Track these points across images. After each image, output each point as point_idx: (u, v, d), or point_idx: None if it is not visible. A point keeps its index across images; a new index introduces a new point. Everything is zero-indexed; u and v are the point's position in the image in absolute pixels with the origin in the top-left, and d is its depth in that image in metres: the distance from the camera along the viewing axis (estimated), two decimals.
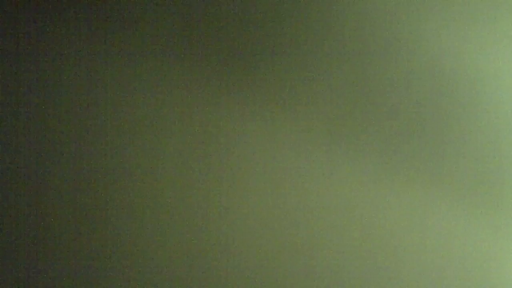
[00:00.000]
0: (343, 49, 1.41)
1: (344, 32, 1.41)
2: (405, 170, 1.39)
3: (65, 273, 1.38)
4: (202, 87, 1.41)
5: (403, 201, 1.38)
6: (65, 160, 1.40)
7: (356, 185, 1.38)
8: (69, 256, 1.38)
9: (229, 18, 1.42)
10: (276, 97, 1.40)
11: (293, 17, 1.42)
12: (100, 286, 1.38)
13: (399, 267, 1.37)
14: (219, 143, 1.40)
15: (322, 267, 1.37)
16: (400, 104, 1.40)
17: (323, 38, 1.41)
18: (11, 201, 1.39)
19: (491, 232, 1.37)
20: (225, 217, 1.38)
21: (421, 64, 1.40)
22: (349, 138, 1.39)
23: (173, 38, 1.42)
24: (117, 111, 1.41)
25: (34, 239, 1.38)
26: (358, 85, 1.40)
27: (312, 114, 1.40)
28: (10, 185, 1.39)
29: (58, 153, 1.40)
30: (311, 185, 1.38)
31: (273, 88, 1.41)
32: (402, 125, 1.39)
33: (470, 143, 1.39)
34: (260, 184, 1.39)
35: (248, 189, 1.39)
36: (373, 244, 1.37)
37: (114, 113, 1.41)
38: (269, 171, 1.39)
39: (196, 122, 1.40)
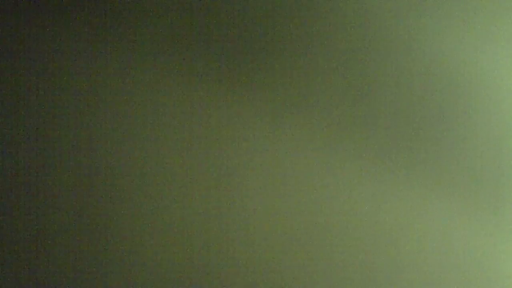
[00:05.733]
0: (343, 49, 1.41)
1: (344, 32, 1.41)
2: (406, 170, 1.39)
3: (65, 273, 1.38)
4: (203, 88, 1.41)
5: (404, 201, 1.38)
6: (65, 160, 1.40)
7: (357, 184, 1.38)
8: (69, 256, 1.38)
9: (230, 18, 1.42)
10: (277, 98, 1.40)
11: (295, 17, 1.42)
12: (100, 286, 1.38)
13: (399, 267, 1.37)
14: (220, 144, 1.40)
15: (322, 267, 1.37)
16: (400, 104, 1.40)
17: (324, 38, 1.41)
18: (11, 201, 1.39)
19: (491, 232, 1.37)
20: (225, 217, 1.38)
21: (421, 65, 1.40)
22: (350, 138, 1.39)
23: (173, 38, 1.42)
24: (117, 111, 1.41)
25: (34, 239, 1.38)
26: (358, 85, 1.40)
27: (313, 114, 1.40)
28: (10, 185, 1.39)
29: (58, 153, 1.40)
30: (312, 185, 1.38)
31: (274, 88, 1.41)
32: (402, 125, 1.39)
33: (470, 143, 1.39)
34: (261, 184, 1.39)
35: (249, 189, 1.39)
36: (374, 244, 1.37)
37: (114, 113, 1.40)
38: (270, 172, 1.39)
39: (197, 122, 1.40)
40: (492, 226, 1.37)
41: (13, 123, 1.40)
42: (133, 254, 1.38)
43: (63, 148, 1.40)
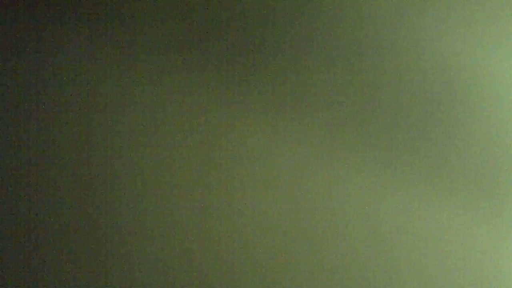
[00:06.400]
0: (343, 49, 1.41)
1: (344, 32, 1.41)
2: (405, 170, 1.39)
3: (65, 273, 1.38)
4: (203, 88, 1.41)
5: (403, 201, 1.38)
6: (65, 160, 1.40)
7: (356, 185, 1.39)
8: (69, 256, 1.38)
9: (230, 18, 1.42)
10: (276, 98, 1.40)
11: (294, 17, 1.42)
12: (100, 286, 1.38)
13: (399, 267, 1.37)
14: (219, 144, 1.40)
15: (322, 268, 1.37)
16: (400, 104, 1.40)
17: (324, 38, 1.41)
18: (11, 201, 1.39)
19: (491, 232, 1.37)
20: (225, 218, 1.38)
21: (421, 65, 1.40)
22: (350, 138, 1.39)
23: (173, 38, 1.42)
24: (116, 110, 1.41)
25: (34, 239, 1.38)
26: (358, 85, 1.40)
27: (313, 115, 1.40)
28: (10, 185, 1.39)
29: (58, 154, 1.40)
30: (311, 184, 1.38)
31: (274, 88, 1.41)
32: (402, 125, 1.39)
33: (470, 143, 1.39)
34: (260, 185, 1.39)
35: (249, 190, 1.39)
36: (374, 244, 1.37)
37: (113, 112, 1.40)
38: (269, 172, 1.39)
39: (197, 122, 1.40)
40: (492, 226, 1.37)
41: (13, 123, 1.40)
42: (133, 254, 1.38)
43: (63, 147, 1.40)
